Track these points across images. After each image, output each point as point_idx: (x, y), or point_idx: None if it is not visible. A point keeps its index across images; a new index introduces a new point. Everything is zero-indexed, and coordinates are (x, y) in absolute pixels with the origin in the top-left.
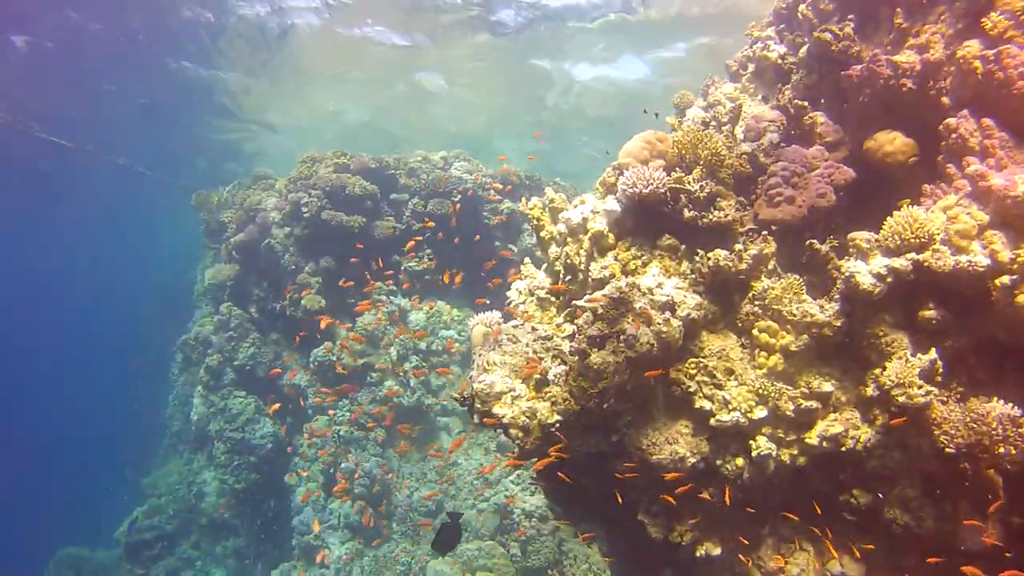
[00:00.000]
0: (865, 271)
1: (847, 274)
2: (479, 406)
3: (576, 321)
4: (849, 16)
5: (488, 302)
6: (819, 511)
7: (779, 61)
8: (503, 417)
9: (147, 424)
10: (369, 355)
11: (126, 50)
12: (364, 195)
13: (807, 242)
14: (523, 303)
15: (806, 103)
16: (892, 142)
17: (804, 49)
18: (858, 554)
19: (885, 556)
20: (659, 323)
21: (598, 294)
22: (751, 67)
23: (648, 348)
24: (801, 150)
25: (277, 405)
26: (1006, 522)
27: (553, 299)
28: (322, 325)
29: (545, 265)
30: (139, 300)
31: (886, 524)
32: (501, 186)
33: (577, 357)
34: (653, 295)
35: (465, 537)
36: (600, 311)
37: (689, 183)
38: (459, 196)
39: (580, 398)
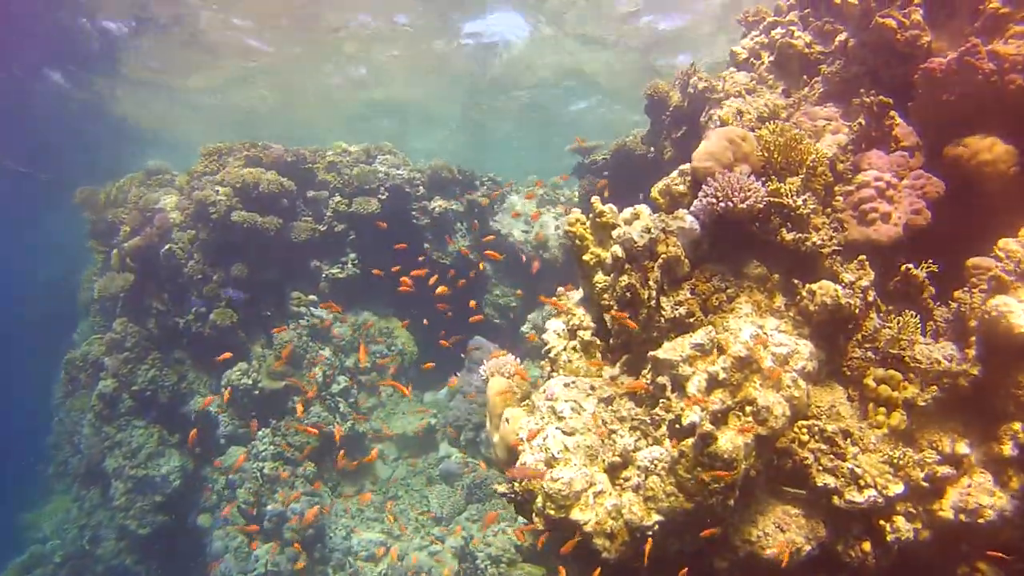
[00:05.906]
0: (1020, 311)
1: (994, 313)
2: (551, 511)
3: (659, 381)
4: (915, 1)
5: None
6: None
7: (805, 50)
8: (585, 524)
9: (20, 448)
10: (291, 376)
11: None
12: (280, 193)
13: (902, 267)
14: (564, 350)
15: (890, 99)
16: (990, 149)
17: (842, 37)
18: None
19: None
20: (789, 386)
21: (687, 349)
22: (766, 56)
23: (784, 422)
24: (885, 156)
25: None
26: None
27: (598, 341)
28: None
29: (581, 295)
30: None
31: None
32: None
33: (695, 440)
34: (771, 347)
35: None
36: (721, 375)
37: (788, 196)
38: (386, 194)
39: (697, 494)
